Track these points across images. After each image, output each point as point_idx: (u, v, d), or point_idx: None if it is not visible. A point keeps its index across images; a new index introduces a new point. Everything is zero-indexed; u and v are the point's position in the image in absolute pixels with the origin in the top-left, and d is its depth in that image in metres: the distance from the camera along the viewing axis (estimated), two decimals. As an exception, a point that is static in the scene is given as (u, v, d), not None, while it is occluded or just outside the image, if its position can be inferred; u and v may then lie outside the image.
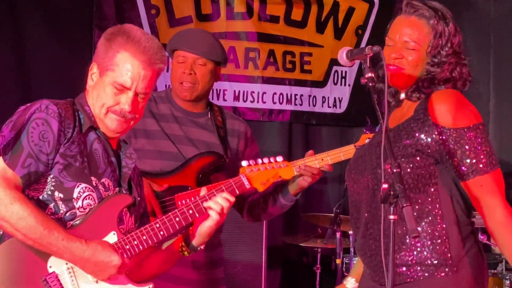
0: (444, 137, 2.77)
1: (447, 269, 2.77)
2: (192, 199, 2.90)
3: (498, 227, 2.76)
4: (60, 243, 2.58)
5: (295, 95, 6.31)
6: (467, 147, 2.76)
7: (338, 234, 5.23)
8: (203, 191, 2.89)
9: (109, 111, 2.73)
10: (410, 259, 2.79)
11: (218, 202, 2.83)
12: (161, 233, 2.78)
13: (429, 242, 2.78)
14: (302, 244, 5.70)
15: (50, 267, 2.63)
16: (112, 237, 2.71)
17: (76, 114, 2.73)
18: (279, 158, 3.06)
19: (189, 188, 3.50)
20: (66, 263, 2.64)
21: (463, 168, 2.77)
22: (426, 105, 2.84)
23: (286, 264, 6.18)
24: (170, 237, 2.86)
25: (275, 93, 6.23)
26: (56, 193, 2.65)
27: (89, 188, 2.69)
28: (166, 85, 5.71)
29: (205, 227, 2.85)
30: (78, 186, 2.67)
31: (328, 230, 5.29)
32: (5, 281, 2.57)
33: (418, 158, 2.80)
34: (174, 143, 3.60)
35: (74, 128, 2.69)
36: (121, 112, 2.73)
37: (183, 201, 3.42)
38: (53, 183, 2.65)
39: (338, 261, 5.27)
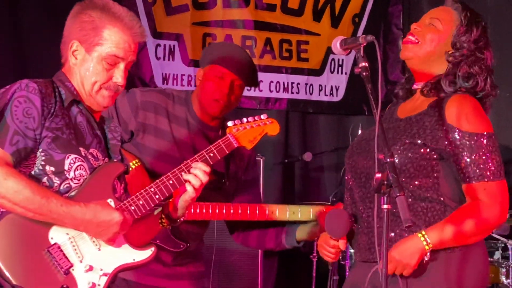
0: (456, 139, 2.81)
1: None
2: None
3: (478, 220, 2.78)
4: (60, 209, 2.59)
5: (292, 83, 6.30)
6: (477, 152, 2.80)
7: (334, 223, 5.22)
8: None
9: (102, 87, 2.76)
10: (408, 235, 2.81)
11: (193, 176, 2.85)
12: (157, 196, 2.80)
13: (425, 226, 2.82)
14: (298, 233, 5.70)
15: (52, 238, 2.64)
16: None
17: (56, 90, 2.75)
18: (263, 116, 3.08)
19: None
20: (67, 233, 2.65)
21: (469, 171, 2.80)
22: (444, 106, 2.87)
23: (282, 253, 6.16)
24: (165, 201, 2.87)
25: (271, 82, 6.22)
26: (47, 167, 2.66)
27: (79, 158, 2.70)
28: (162, 74, 5.72)
29: (182, 201, 2.87)
30: (68, 158, 2.68)
31: (324, 219, 5.29)
32: (9, 258, 2.58)
33: (422, 150, 2.82)
34: (178, 148, 3.54)
35: (56, 103, 2.71)
36: (115, 86, 2.76)
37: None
38: (43, 157, 2.66)
39: (334, 249, 5.26)
